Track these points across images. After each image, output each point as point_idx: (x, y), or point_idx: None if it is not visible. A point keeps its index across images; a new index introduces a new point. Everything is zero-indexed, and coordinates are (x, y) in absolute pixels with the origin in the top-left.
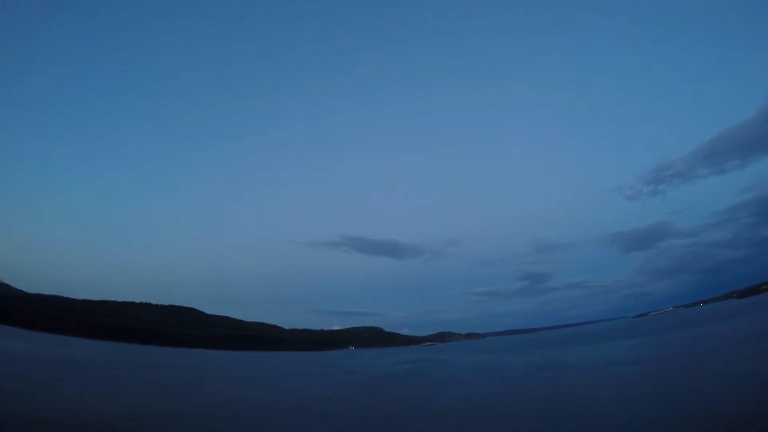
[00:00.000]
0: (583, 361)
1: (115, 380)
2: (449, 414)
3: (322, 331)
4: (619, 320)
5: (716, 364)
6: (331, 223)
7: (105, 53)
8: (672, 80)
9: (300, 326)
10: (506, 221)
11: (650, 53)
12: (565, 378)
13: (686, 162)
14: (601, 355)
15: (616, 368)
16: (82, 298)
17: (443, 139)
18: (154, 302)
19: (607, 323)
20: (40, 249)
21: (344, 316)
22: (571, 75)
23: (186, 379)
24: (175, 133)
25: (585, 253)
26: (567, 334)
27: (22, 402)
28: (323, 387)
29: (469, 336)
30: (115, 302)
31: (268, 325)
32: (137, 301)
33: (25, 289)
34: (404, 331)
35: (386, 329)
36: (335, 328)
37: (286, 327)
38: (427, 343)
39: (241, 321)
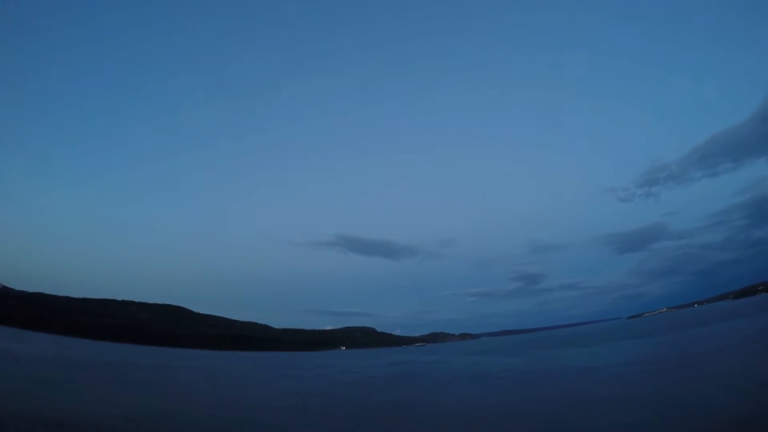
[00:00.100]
0: (583, 363)
1: (103, 380)
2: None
3: (313, 331)
4: (613, 321)
5: (721, 366)
6: (325, 222)
7: (105, 53)
8: (667, 83)
9: (292, 326)
10: (501, 222)
11: (645, 56)
12: (565, 382)
13: (680, 164)
14: (599, 357)
15: (614, 370)
16: (64, 295)
17: (438, 140)
18: (139, 300)
19: (601, 324)
20: (29, 247)
21: (338, 316)
22: (566, 77)
23: (153, 378)
24: (170, 132)
25: (579, 254)
26: (562, 334)
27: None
28: (289, 394)
29: (463, 336)
30: (103, 300)
31: (258, 324)
32: (123, 299)
33: (10, 286)
34: (397, 332)
35: (379, 329)
36: (328, 328)
37: (277, 327)
38: (419, 344)
39: (231, 320)
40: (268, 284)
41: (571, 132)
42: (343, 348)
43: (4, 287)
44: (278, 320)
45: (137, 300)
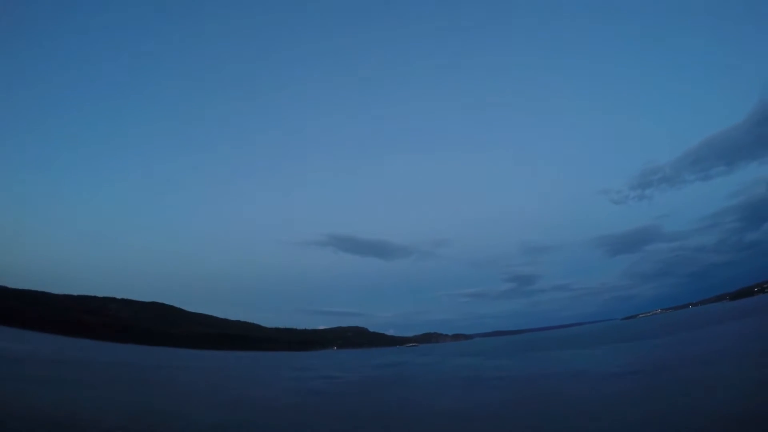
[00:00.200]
0: (581, 366)
1: (87, 379)
2: None
3: (304, 330)
4: (607, 322)
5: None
6: (318, 222)
7: (104, 54)
8: (660, 86)
9: (284, 326)
10: (494, 223)
11: (640, 59)
12: (565, 387)
13: (673, 167)
14: (597, 360)
15: (615, 375)
16: (47, 291)
17: (433, 141)
18: (121, 297)
19: (595, 325)
20: (15, 242)
21: (331, 316)
22: (560, 79)
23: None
24: (164, 133)
25: (572, 256)
26: (556, 335)
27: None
28: (245, 403)
29: (456, 337)
30: (92, 297)
31: (249, 323)
32: (104, 296)
33: None
34: (390, 332)
35: (372, 330)
36: (321, 327)
37: (269, 326)
38: (411, 344)
39: (221, 319)
40: (261, 283)
41: (565, 134)
42: (335, 348)
43: None
44: (270, 320)
45: (119, 297)
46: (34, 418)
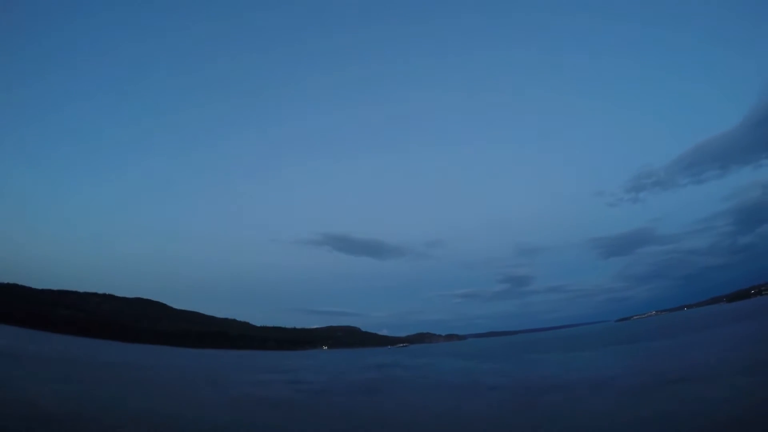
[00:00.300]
0: (582, 371)
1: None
2: None
3: (294, 329)
4: (601, 324)
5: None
6: (313, 221)
7: (104, 53)
8: (656, 89)
9: (276, 324)
10: (488, 224)
11: (636, 63)
12: (572, 400)
13: (667, 171)
14: (597, 365)
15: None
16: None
17: (428, 141)
18: (103, 292)
19: (589, 327)
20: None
21: (324, 315)
22: (555, 81)
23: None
24: (156, 130)
25: (566, 257)
26: (550, 337)
27: None
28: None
29: (450, 337)
30: (62, 291)
31: (237, 321)
32: (84, 291)
33: None
34: (383, 332)
35: (365, 329)
36: (314, 327)
37: (258, 325)
38: (401, 344)
39: (209, 317)
40: (255, 282)
41: (560, 136)
42: (325, 347)
43: None
44: (263, 318)
45: (101, 292)
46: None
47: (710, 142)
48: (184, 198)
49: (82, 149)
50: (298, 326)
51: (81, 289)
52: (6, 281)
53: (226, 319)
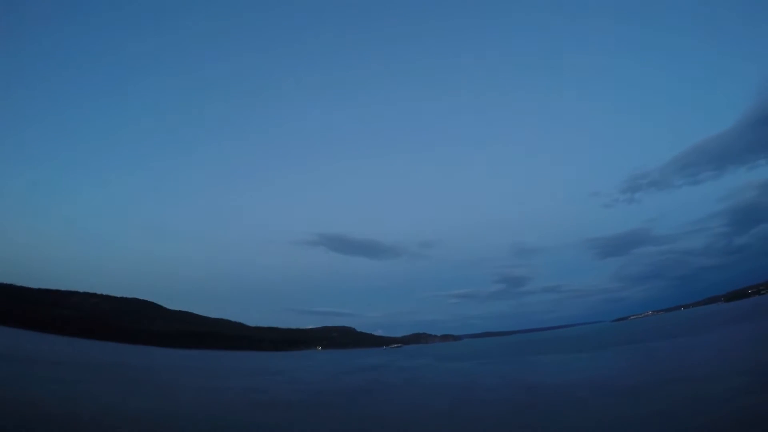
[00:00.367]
0: (587, 373)
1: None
2: None
3: (288, 330)
4: (598, 324)
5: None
6: (309, 221)
7: (100, 54)
8: (652, 91)
9: (272, 325)
10: (484, 224)
11: (632, 65)
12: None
13: (662, 172)
14: (600, 367)
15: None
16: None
17: (424, 142)
18: (101, 293)
19: (586, 327)
20: None
21: (320, 315)
22: (552, 83)
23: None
24: (151, 130)
25: (561, 258)
26: (547, 337)
27: None
28: None
29: (445, 338)
30: (62, 292)
31: (231, 322)
32: (85, 291)
33: None
34: (379, 332)
35: (361, 330)
36: (310, 327)
37: (253, 325)
38: (395, 345)
39: (203, 317)
40: (251, 282)
41: (555, 137)
42: (319, 348)
43: None
44: (258, 319)
45: (97, 292)
46: None
47: (705, 143)
48: (179, 198)
49: (79, 149)
50: (293, 327)
51: (78, 289)
52: (1, 281)
53: (220, 320)
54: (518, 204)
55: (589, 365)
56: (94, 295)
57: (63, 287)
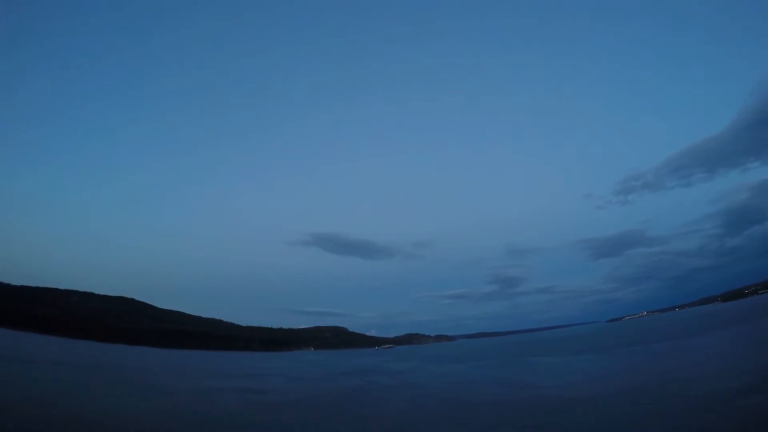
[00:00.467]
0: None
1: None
2: None
3: (280, 329)
4: (592, 325)
5: None
6: (303, 221)
7: (101, 56)
8: (645, 93)
9: (265, 325)
10: (478, 225)
11: (626, 66)
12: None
13: (655, 173)
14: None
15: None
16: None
17: (419, 142)
18: (83, 290)
19: (580, 327)
20: None
21: (312, 316)
22: (545, 84)
23: None
24: (146, 130)
25: (555, 259)
26: (542, 338)
27: None
28: None
29: (439, 338)
30: (40, 288)
31: (222, 322)
32: (65, 288)
33: None
34: (372, 332)
35: (354, 330)
36: (301, 327)
37: (244, 325)
38: (387, 345)
39: (192, 316)
40: (245, 282)
41: (549, 138)
42: (311, 348)
43: None
44: (250, 319)
45: (81, 290)
46: None
47: (698, 145)
48: (171, 196)
49: (74, 148)
50: (286, 327)
51: (60, 287)
52: None
53: (211, 319)
54: (512, 205)
55: (590, 366)
56: (76, 292)
57: (42, 284)
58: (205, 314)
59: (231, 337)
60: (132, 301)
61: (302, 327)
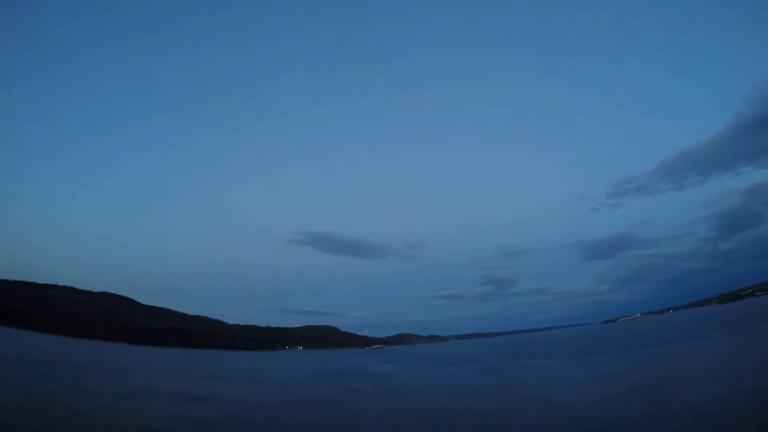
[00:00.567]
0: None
1: None
2: None
3: (267, 328)
4: (586, 326)
5: None
6: (297, 221)
7: (100, 55)
8: (639, 96)
9: (252, 323)
10: (472, 226)
11: (618, 68)
12: None
13: (648, 177)
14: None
15: None
16: None
17: (412, 142)
18: (63, 284)
19: (574, 329)
20: None
21: (304, 315)
22: (540, 85)
23: None
24: (140, 127)
25: (548, 260)
26: (536, 339)
27: None
28: None
29: (432, 338)
30: (33, 284)
31: (209, 319)
32: (44, 282)
33: None
34: (364, 332)
35: (344, 329)
36: (292, 326)
37: (231, 323)
38: (377, 346)
39: (177, 313)
40: (237, 280)
41: (543, 140)
42: (300, 348)
43: None
44: (239, 317)
45: (62, 284)
46: None
47: (692, 149)
48: (162, 193)
49: (59, 146)
50: (276, 325)
51: (40, 281)
52: None
53: (197, 317)
54: (506, 206)
55: (589, 371)
56: (54, 286)
57: (19, 278)
58: (191, 312)
59: (213, 335)
60: (115, 296)
61: (292, 326)
